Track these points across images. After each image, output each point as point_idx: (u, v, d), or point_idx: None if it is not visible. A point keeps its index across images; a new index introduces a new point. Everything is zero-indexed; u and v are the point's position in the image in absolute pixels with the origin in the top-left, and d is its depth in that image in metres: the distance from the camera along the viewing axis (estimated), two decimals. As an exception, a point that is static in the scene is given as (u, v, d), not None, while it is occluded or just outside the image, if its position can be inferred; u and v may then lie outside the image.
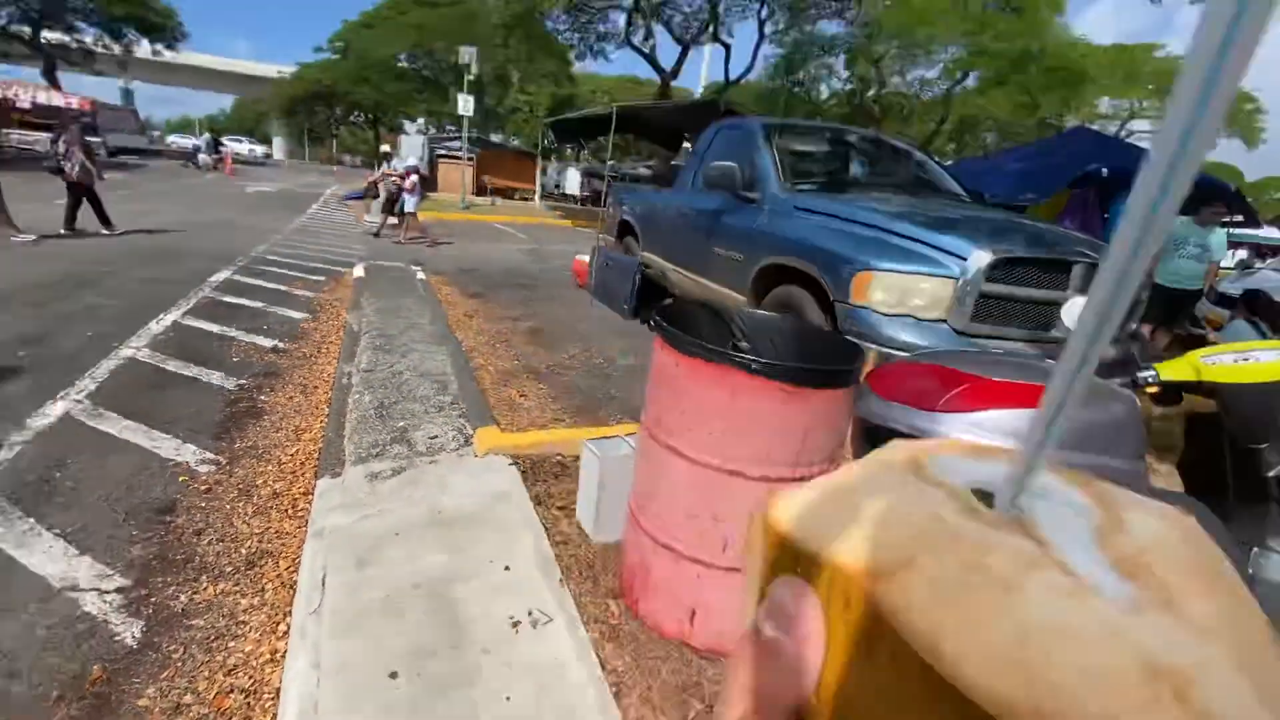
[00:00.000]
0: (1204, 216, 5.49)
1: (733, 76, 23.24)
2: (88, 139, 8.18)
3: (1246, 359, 1.48)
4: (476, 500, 2.39)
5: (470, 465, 2.65)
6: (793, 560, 0.21)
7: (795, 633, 0.20)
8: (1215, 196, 5.90)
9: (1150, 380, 1.62)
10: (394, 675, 1.59)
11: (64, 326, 4.35)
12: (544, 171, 23.58)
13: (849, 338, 3.02)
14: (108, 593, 1.96)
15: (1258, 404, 1.50)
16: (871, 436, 1.01)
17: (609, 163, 13.76)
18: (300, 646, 1.67)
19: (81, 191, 7.69)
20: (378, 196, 10.45)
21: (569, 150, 30.12)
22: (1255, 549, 1.65)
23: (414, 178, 10.00)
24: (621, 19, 22.15)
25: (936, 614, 0.17)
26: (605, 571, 2.12)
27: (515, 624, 1.80)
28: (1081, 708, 0.15)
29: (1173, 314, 5.74)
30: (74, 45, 29.50)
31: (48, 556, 2.08)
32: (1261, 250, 15.68)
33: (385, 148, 12.35)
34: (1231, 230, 8.63)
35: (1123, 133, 25.00)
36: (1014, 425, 0.89)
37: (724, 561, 1.72)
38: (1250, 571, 1.57)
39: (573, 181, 26.21)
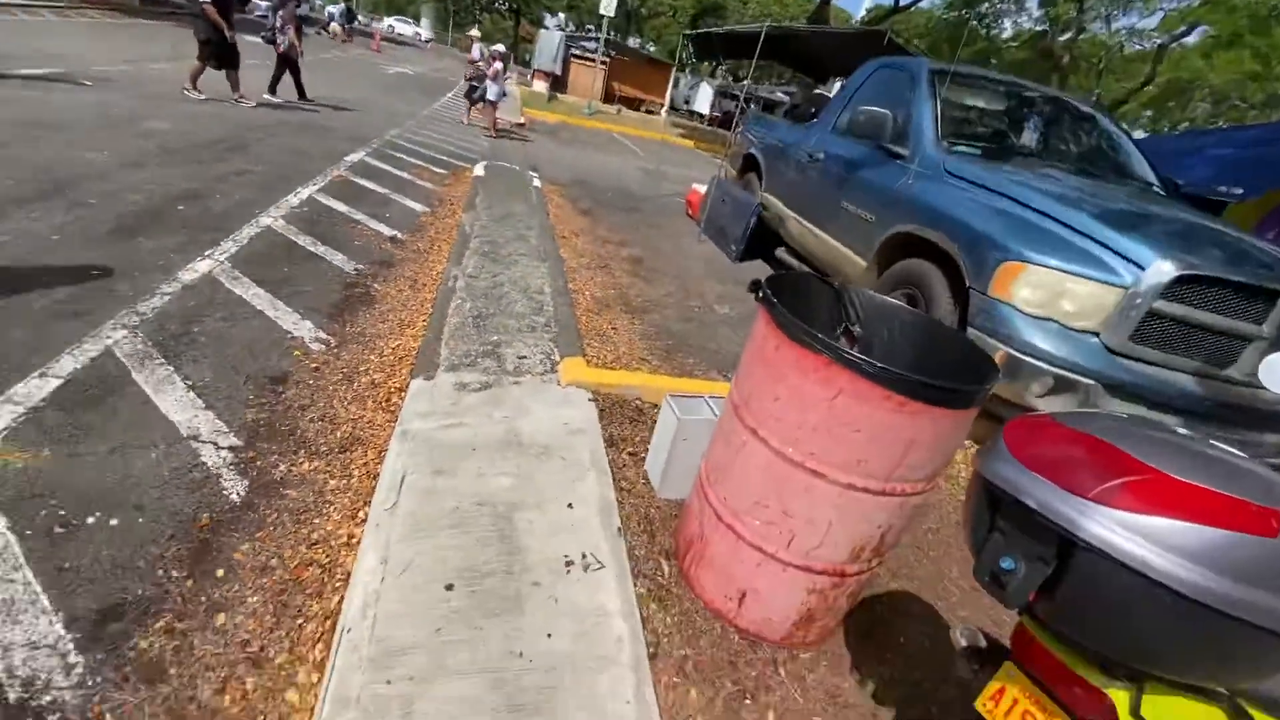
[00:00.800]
0: None
1: (903, 0, 20.71)
2: (299, 15, 9.06)
3: None
4: (551, 430, 2.42)
5: (551, 394, 2.68)
6: None
7: None
8: None
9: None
10: (449, 588, 1.68)
11: (217, 187, 4.73)
12: (675, 84, 22.56)
13: (972, 331, 2.72)
14: (222, 448, 2.18)
15: None
16: (995, 504, 0.86)
17: (745, 83, 12.86)
18: (372, 541, 1.79)
19: (286, 63, 8.67)
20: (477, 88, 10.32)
21: (705, 65, 28.54)
22: None
23: (498, 65, 9.81)
24: (789, -78, 20.02)
25: None
26: (663, 529, 2.11)
27: (568, 563, 1.84)
28: None
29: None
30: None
31: (178, 404, 2.33)
32: None
33: (474, 32, 12.02)
34: None
35: (1382, 124, 20.32)
36: (1190, 543, 0.71)
37: (786, 556, 1.64)
38: None
39: (704, 99, 24.97)
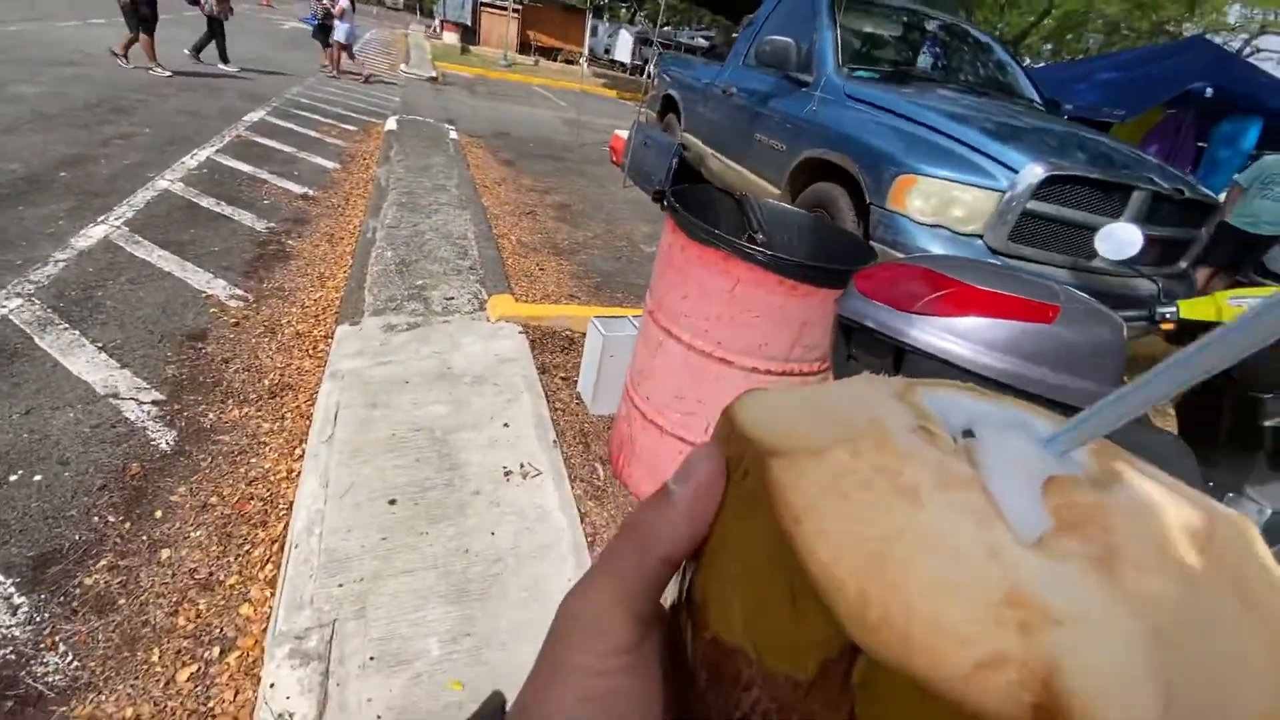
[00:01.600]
0: (1305, 156, 4.95)
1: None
2: None
3: None
4: (484, 361, 2.49)
5: (482, 329, 2.74)
6: (735, 443, 0.20)
7: (689, 486, 0.20)
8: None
9: (1168, 316, 1.57)
10: (392, 502, 1.76)
11: (102, 152, 4.40)
12: (594, 32, 21.88)
13: (874, 244, 2.93)
14: (144, 403, 2.15)
15: (1272, 354, 1.46)
16: (846, 333, 1.01)
17: (659, 28, 12.64)
18: (312, 468, 1.84)
19: (214, 26, 8.19)
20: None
21: (624, 11, 27.75)
22: (1230, 495, 1.67)
23: (343, 3, 9.45)
24: None
25: (818, 497, 0.16)
26: (597, 439, 2.25)
27: (507, 473, 1.95)
28: (909, 608, 0.13)
29: (1239, 259, 5.34)
30: None
31: (90, 365, 2.27)
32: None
33: None
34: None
35: (1247, 50, 21.98)
36: (987, 334, 0.88)
37: (704, 441, 1.80)
38: None
39: (624, 47, 24.36)
